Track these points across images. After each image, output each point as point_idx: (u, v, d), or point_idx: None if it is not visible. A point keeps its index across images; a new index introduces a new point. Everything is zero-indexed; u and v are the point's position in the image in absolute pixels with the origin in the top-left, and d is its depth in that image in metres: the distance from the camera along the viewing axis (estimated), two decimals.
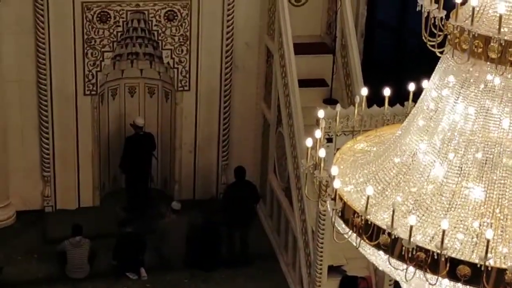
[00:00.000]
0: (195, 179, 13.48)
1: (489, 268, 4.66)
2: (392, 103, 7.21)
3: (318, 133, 5.63)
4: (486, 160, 5.02)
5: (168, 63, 12.78)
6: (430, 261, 4.79)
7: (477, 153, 5.04)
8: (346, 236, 5.29)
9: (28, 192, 12.94)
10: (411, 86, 6.12)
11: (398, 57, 13.62)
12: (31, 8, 11.98)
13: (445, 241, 4.66)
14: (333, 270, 10.86)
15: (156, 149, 13.23)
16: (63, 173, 12.90)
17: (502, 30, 4.82)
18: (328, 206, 5.41)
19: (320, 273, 10.40)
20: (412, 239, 4.74)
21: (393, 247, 4.90)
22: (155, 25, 12.52)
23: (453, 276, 4.77)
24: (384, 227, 4.92)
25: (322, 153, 5.49)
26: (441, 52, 5.21)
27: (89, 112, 12.72)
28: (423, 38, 5.14)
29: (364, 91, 6.31)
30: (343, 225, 5.31)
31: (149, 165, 13.05)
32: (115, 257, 11.84)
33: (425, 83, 5.64)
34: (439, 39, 5.09)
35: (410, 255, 4.80)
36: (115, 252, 11.83)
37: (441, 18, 5.06)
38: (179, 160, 13.37)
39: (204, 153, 13.34)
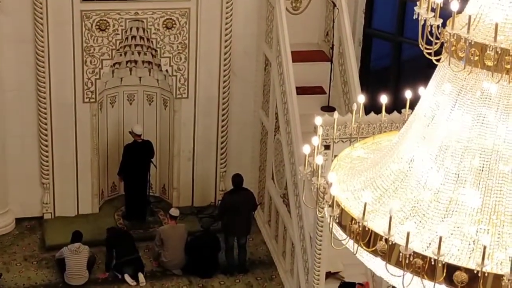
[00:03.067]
0: (193, 186, 13.51)
1: (486, 274, 4.69)
2: (389, 110, 7.25)
3: (316, 140, 5.65)
4: (483, 167, 5.05)
5: (166, 70, 12.83)
6: (427, 268, 4.81)
7: (473, 160, 5.07)
8: (343, 242, 5.31)
9: (27, 199, 12.96)
10: (408, 94, 6.16)
11: (395, 65, 13.66)
12: (30, 16, 12.02)
13: (442, 247, 4.69)
14: (331, 276, 10.89)
15: (155, 157, 13.26)
16: (62, 180, 12.93)
17: (498, 38, 4.86)
18: (326, 213, 5.44)
19: (318, 280, 10.42)
20: (409, 246, 4.77)
21: (390, 253, 4.92)
22: (154, 33, 12.57)
23: (450, 282, 4.79)
24: (382, 233, 4.95)
25: (319, 160, 5.52)
26: (438, 60, 5.25)
27: (88, 120, 12.75)
28: (420, 46, 5.19)
29: (362, 99, 6.35)
30: (341, 232, 5.34)
31: (147, 172, 13.07)
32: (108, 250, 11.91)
33: (421, 91, 5.68)
34: (436, 47, 5.13)
35: (407, 261, 4.83)
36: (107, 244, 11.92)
37: (438, 26, 5.10)
38: (178, 167, 13.40)
39: (202, 160, 13.38)
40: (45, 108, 12.49)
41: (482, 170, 5.03)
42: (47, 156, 12.76)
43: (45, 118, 12.55)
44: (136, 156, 12.83)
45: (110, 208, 13.39)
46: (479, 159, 5.04)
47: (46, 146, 12.71)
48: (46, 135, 12.64)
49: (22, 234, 12.84)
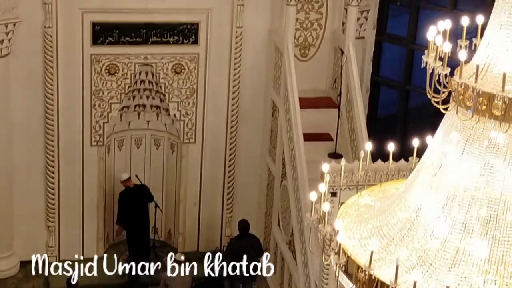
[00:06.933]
0: (199, 231, 13.46)
1: None
2: (396, 158, 7.25)
3: (323, 187, 5.64)
4: (490, 217, 5.02)
5: (174, 115, 12.87)
6: None
7: (481, 209, 5.04)
8: None
9: (32, 242, 12.90)
10: (415, 142, 6.16)
11: (402, 112, 13.69)
12: (40, 59, 12.11)
13: None
14: None
15: (161, 201, 13.21)
16: (67, 223, 12.89)
17: (506, 87, 4.87)
18: (332, 261, 5.40)
19: None
20: None
21: None
22: (163, 77, 12.65)
23: None
24: (388, 282, 4.90)
25: (326, 207, 5.50)
26: (446, 109, 5.26)
27: (96, 163, 12.77)
28: (428, 94, 5.20)
29: (369, 146, 6.35)
30: (347, 280, 5.29)
31: (147, 217, 12.93)
32: None
33: (429, 139, 5.68)
34: (444, 95, 5.15)
35: None
36: None
37: (446, 75, 5.12)
38: (184, 212, 13.37)
39: (208, 205, 13.34)
40: (52, 151, 12.51)
41: (490, 220, 5.01)
42: (53, 199, 12.75)
43: (53, 161, 12.56)
44: (132, 202, 12.71)
45: (115, 252, 13.32)
46: (487, 208, 5.02)
47: (53, 189, 12.70)
48: (53, 178, 12.65)
49: (27, 277, 12.77)
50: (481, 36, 5.32)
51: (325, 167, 5.99)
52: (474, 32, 5.40)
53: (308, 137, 11.90)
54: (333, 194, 6.98)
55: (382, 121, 14.03)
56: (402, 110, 13.73)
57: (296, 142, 11.60)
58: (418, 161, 5.67)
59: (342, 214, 5.77)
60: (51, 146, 12.50)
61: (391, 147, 6.27)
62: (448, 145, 5.26)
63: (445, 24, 5.26)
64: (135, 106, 13.05)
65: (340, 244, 5.19)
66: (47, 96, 12.26)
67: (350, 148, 12.24)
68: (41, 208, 12.81)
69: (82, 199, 12.85)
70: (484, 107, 5.00)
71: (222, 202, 13.37)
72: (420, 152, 5.78)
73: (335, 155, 12.12)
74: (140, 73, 12.66)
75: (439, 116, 5.46)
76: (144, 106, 13.08)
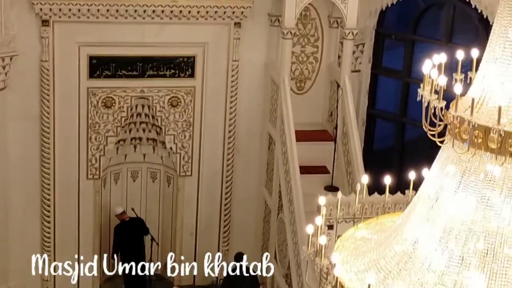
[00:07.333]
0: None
1: None
2: (393, 191, 7.25)
3: (319, 220, 5.64)
4: (487, 250, 5.01)
5: (171, 148, 12.88)
6: None
7: (478, 242, 5.04)
8: None
9: (27, 275, 12.82)
10: (412, 175, 6.16)
11: (398, 145, 13.71)
12: (37, 92, 12.12)
13: None
14: None
15: (157, 234, 13.15)
16: (63, 257, 12.82)
17: (501, 121, 4.89)
18: None
19: None
20: None
21: None
22: (159, 110, 12.67)
23: None
24: None
25: (323, 240, 5.49)
26: (442, 142, 5.28)
27: (91, 196, 12.74)
28: (424, 127, 5.21)
29: (365, 179, 6.36)
30: None
31: (142, 250, 12.86)
32: None
33: (425, 172, 5.69)
34: (439, 128, 5.16)
35: None
36: None
37: (441, 108, 5.14)
38: (180, 245, 13.31)
39: (205, 238, 13.30)
40: (48, 184, 12.49)
41: (487, 253, 4.99)
42: (49, 232, 12.70)
43: (49, 194, 12.53)
44: (128, 235, 12.66)
45: (110, 286, 13.25)
46: (484, 241, 5.01)
47: (49, 222, 12.66)
48: (49, 211, 12.61)
49: None
50: (476, 69, 5.36)
51: (322, 200, 5.99)
52: (469, 66, 5.44)
53: (304, 170, 11.90)
54: (330, 227, 6.98)
55: (378, 154, 14.03)
56: (398, 143, 13.74)
57: (292, 175, 11.60)
58: (415, 194, 5.67)
59: (339, 247, 5.76)
60: (47, 180, 12.47)
61: (387, 180, 6.27)
62: (444, 178, 5.27)
63: (440, 57, 5.29)
64: (131, 139, 13.06)
65: (337, 278, 5.17)
66: (43, 129, 12.26)
67: (346, 181, 12.23)
68: (37, 241, 12.75)
69: (78, 232, 12.79)
70: (480, 140, 5.01)
71: (218, 234, 13.32)
72: (417, 185, 5.78)
73: (331, 188, 12.11)
74: (136, 106, 12.68)
75: (435, 149, 5.47)
76: (140, 139, 13.09)
